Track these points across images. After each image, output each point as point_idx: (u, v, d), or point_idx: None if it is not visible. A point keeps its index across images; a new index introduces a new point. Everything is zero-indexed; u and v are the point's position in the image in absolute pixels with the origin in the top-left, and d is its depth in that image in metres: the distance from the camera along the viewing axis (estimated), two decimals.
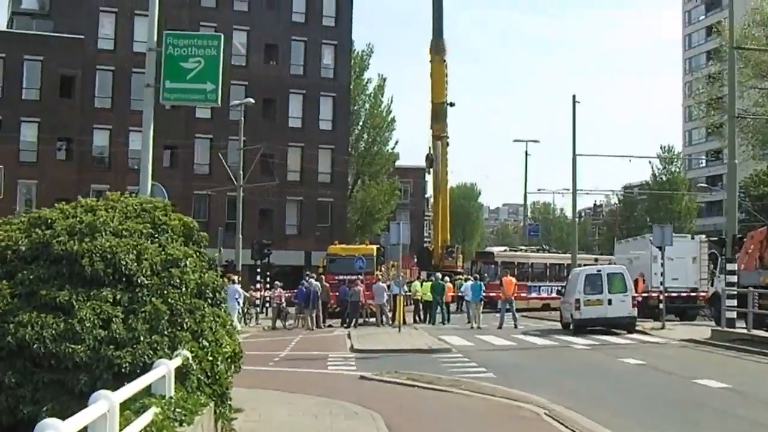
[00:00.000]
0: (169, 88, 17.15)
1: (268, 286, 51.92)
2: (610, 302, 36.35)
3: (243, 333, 39.58)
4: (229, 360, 11.82)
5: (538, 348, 30.25)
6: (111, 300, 10.77)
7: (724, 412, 15.95)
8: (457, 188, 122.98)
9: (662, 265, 41.77)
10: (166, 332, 10.84)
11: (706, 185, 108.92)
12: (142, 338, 10.57)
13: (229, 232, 53.77)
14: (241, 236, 51.56)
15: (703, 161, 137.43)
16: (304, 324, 44.91)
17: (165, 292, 11.10)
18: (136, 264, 11.11)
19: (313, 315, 44.64)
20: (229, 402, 11.87)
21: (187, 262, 11.59)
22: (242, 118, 54.00)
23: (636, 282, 45.26)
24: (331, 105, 79.91)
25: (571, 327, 37.63)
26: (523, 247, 76.57)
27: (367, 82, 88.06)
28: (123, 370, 10.28)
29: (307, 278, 47.60)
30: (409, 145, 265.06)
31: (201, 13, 73.50)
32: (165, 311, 10.89)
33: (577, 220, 65.95)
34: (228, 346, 11.75)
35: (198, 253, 12.27)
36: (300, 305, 45.21)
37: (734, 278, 32.79)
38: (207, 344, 11.25)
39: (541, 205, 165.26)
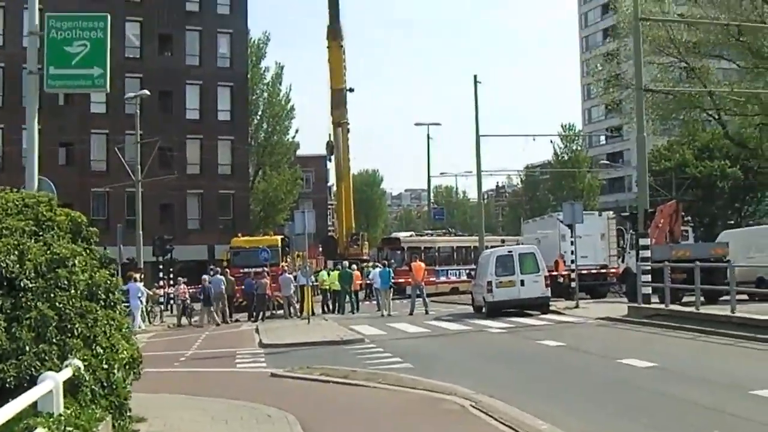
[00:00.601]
0: (54, 75, 15.94)
1: (171, 282, 50.47)
2: (522, 283, 35.64)
3: (147, 332, 38.50)
4: (126, 366, 10.76)
5: (452, 334, 29.41)
6: None
7: (655, 393, 15.26)
8: (358, 176, 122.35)
9: (572, 242, 41.60)
10: (54, 340, 9.80)
11: (607, 162, 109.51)
12: (27, 348, 9.55)
13: (130, 229, 52.11)
14: (141, 233, 50.16)
15: (603, 139, 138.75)
16: (210, 320, 43.78)
17: (52, 295, 10.03)
18: (18, 266, 10.02)
19: (218, 311, 43.52)
20: (128, 413, 10.75)
21: (76, 261, 10.50)
22: (138, 111, 52.40)
23: (556, 263, 44.96)
24: (228, 95, 78.19)
25: (484, 310, 36.97)
26: (429, 232, 75.82)
27: (264, 71, 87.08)
28: (7, 385, 9.24)
29: (211, 272, 46.44)
30: (310, 133, 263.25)
31: (90, 5, 71.23)
32: (52, 317, 9.84)
33: (480, 202, 65.18)
34: (125, 352, 10.68)
35: (88, 251, 11.18)
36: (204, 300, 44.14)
37: (648, 253, 32.38)
38: (101, 351, 10.19)
39: (443, 188, 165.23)
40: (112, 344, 10.40)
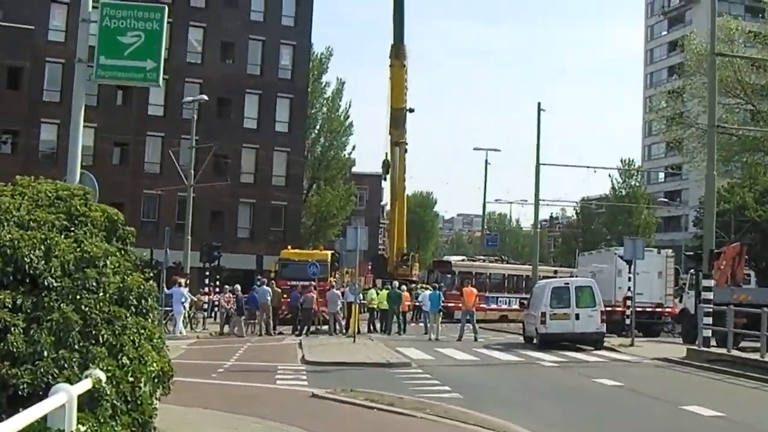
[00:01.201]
0: (105, 65, 14.98)
1: (217, 289, 49.71)
2: (577, 317, 34.45)
3: (188, 339, 37.69)
4: (155, 380, 9.72)
5: (503, 364, 28.25)
6: (9, 305, 8.76)
7: None
8: (412, 197, 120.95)
9: (630, 279, 40.43)
10: (76, 346, 8.82)
11: (665, 200, 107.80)
12: (45, 353, 8.58)
13: (179, 233, 51.40)
14: (190, 238, 49.45)
15: (662, 176, 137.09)
16: (253, 331, 43.00)
17: (78, 297, 9.06)
18: (43, 262, 9.09)
19: (262, 321, 42.78)
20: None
21: (108, 262, 9.53)
22: (195, 116, 51.83)
23: (624, 299, 43.70)
24: (288, 107, 77.57)
25: (535, 341, 35.85)
26: (482, 257, 74.71)
27: (325, 86, 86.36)
28: (20, 392, 8.27)
29: (258, 283, 45.71)
30: (366, 151, 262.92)
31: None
32: (76, 320, 8.87)
33: (537, 231, 64.03)
34: (155, 364, 9.65)
35: (122, 251, 10.21)
36: (249, 310, 43.34)
37: (710, 295, 31.11)
38: (127, 362, 9.18)
39: (497, 215, 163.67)
40: (140, 355, 9.40)
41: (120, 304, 9.43)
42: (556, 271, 67.29)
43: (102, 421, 8.38)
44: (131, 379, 9.11)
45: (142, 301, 9.78)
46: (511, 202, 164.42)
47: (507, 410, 16.87)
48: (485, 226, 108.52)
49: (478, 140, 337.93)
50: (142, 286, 9.83)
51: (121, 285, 9.53)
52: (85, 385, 8.07)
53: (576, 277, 50.27)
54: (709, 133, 33.71)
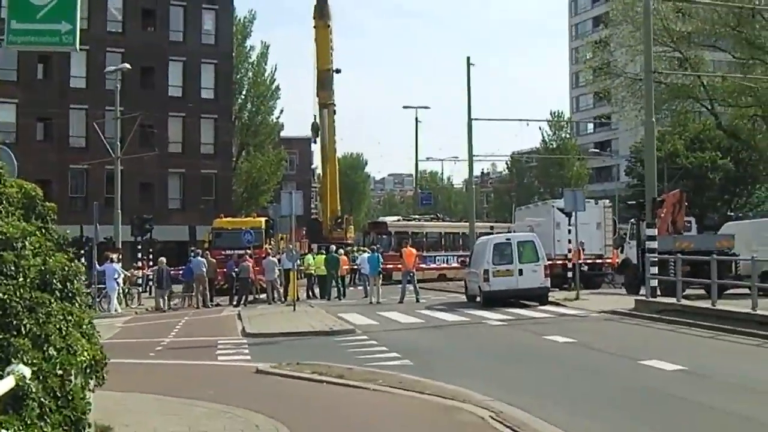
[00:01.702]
0: (16, 30, 13.79)
1: (151, 263, 48.46)
2: (521, 272, 33.71)
3: (123, 316, 36.59)
4: (87, 371, 8.79)
5: (449, 325, 27.47)
6: None
7: (690, 402, 13.57)
8: (343, 159, 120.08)
9: (569, 231, 39.99)
10: None
11: (597, 150, 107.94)
12: None
13: (109, 207, 50.02)
14: (120, 211, 48.09)
15: (591, 127, 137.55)
16: (190, 303, 42.01)
17: None
18: None
19: (198, 294, 41.81)
20: (87, 429, 8.76)
21: (27, 243, 8.56)
22: (118, 86, 50.24)
23: (577, 252, 43.02)
24: (212, 73, 76.16)
25: (479, 299, 35.22)
26: (417, 217, 73.94)
27: (249, 50, 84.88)
28: None
29: (192, 254, 44.66)
30: (294, 115, 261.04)
31: None
32: None
33: (472, 187, 63.24)
34: (85, 353, 8.70)
35: (43, 230, 9.22)
36: (187, 283, 42.33)
37: (655, 244, 30.61)
38: (54, 353, 8.22)
39: (428, 174, 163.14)
40: (68, 344, 8.46)
41: (42, 288, 8.47)
42: (492, 227, 66.77)
43: (29, 422, 7.46)
44: (60, 372, 8.18)
45: (67, 284, 8.82)
46: (443, 160, 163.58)
47: (461, 376, 16.15)
48: (418, 185, 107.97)
49: (408, 100, 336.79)
50: (66, 268, 8.87)
51: (43, 267, 8.56)
52: (6, 383, 7.13)
53: (513, 232, 49.80)
54: (646, 80, 32.99)
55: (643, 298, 29.11)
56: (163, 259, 43.35)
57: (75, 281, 8.97)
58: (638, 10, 51.30)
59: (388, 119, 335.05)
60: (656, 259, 30.32)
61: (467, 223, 68.59)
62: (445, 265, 63.45)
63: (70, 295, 8.85)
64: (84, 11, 69.00)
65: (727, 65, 56.44)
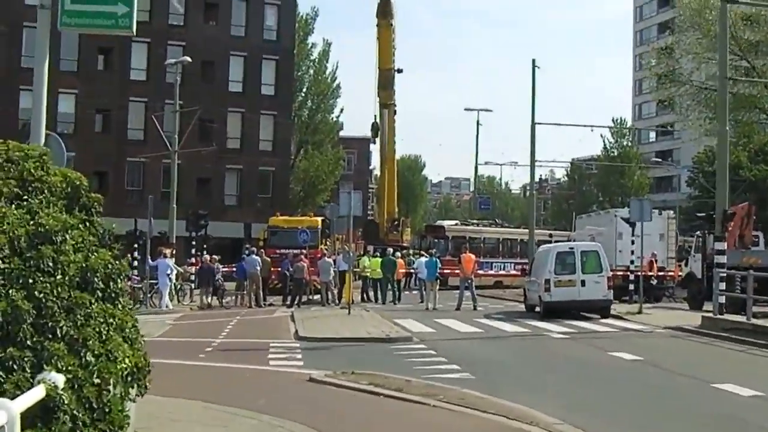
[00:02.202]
0: (70, 11, 13.12)
1: (207, 259, 47.79)
2: (583, 283, 32.68)
3: (175, 313, 35.98)
4: (128, 380, 7.98)
5: (509, 337, 26.47)
6: None
7: None
8: (401, 160, 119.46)
9: (633, 242, 39.05)
10: (29, 342, 7.08)
11: (659, 159, 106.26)
12: None
13: (165, 202, 49.54)
14: (175, 206, 47.64)
15: (653, 136, 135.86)
16: (242, 302, 41.34)
17: (30, 281, 7.29)
18: None
19: (251, 293, 41.14)
20: None
21: (68, 237, 7.77)
22: (178, 79, 49.76)
23: (650, 263, 42.02)
24: (273, 69, 75.58)
25: (538, 310, 34.26)
26: (475, 221, 72.93)
27: (311, 47, 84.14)
28: None
29: (246, 252, 44.04)
30: (354, 115, 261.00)
31: None
32: (28, 310, 7.13)
33: (533, 193, 62.15)
34: (126, 360, 7.89)
35: (86, 224, 8.42)
36: (240, 280, 41.67)
37: (723, 258, 29.45)
38: (92, 359, 7.40)
39: (486, 178, 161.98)
40: (108, 350, 7.65)
41: (83, 288, 7.67)
42: (551, 235, 65.88)
43: None
44: (97, 380, 7.37)
45: (111, 283, 8.00)
46: (502, 164, 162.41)
47: (525, 392, 15.21)
48: (476, 190, 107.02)
49: (467, 101, 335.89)
50: (109, 265, 8.05)
51: (84, 265, 7.76)
52: (35, 394, 6.35)
53: (574, 240, 48.76)
54: (720, 86, 31.83)
55: (710, 314, 27.93)
56: (207, 257, 42.85)
57: (119, 280, 8.17)
58: (706, 17, 50.46)
59: (448, 121, 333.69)
60: (724, 275, 29.14)
61: (525, 230, 67.68)
62: (502, 272, 62.53)
63: (113, 295, 8.04)
64: (146, 3, 68.99)
65: None
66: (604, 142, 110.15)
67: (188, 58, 50.12)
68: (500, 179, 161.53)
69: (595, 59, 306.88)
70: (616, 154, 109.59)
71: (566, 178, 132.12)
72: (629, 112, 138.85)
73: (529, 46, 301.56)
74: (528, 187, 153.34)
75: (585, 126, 77.33)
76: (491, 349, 23.15)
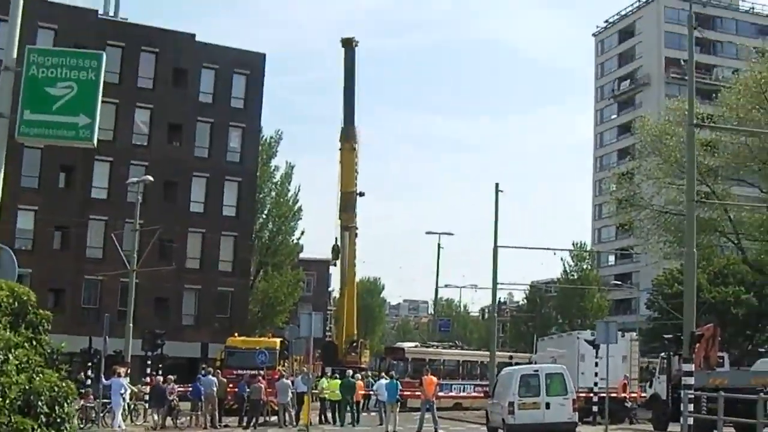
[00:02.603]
0: (29, 121, 12.79)
1: (160, 379, 46.89)
2: (548, 406, 31.99)
3: None
4: None
5: None
6: None
7: None
8: (360, 282, 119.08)
9: (597, 364, 39.52)
10: None
11: (619, 282, 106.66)
12: None
13: (122, 320, 48.86)
14: (132, 325, 46.98)
15: (612, 259, 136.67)
16: (197, 423, 40.47)
17: None
18: None
19: (207, 413, 40.30)
20: None
21: (11, 356, 7.34)
22: (139, 198, 49.58)
23: (624, 385, 41.84)
24: (236, 190, 75.45)
25: None
26: (435, 343, 72.31)
27: (274, 170, 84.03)
28: None
29: (202, 372, 43.26)
30: (313, 237, 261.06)
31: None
32: None
33: (495, 315, 61.72)
34: None
35: (33, 342, 8.00)
36: (195, 401, 40.82)
37: (692, 380, 29.11)
38: None
39: (445, 301, 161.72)
40: None
41: (25, 412, 7.21)
42: (511, 357, 65.20)
43: None
44: None
45: (56, 407, 7.56)
46: (461, 287, 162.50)
47: None
48: (431, 313, 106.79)
49: (429, 225, 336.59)
50: (56, 388, 7.61)
51: (28, 387, 7.32)
52: None
53: (535, 362, 48.40)
54: (688, 208, 31.78)
55: None
56: (160, 378, 42.17)
57: (65, 404, 7.70)
58: (666, 142, 51.03)
59: (408, 245, 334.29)
60: (692, 396, 28.70)
61: (485, 352, 67.57)
62: (462, 394, 61.95)
63: (58, 420, 7.58)
64: (110, 122, 68.95)
65: (753, 200, 55.75)
66: (564, 265, 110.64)
67: (150, 178, 50.08)
68: (459, 302, 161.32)
69: (557, 184, 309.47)
70: (575, 277, 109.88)
71: (525, 301, 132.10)
72: (589, 235, 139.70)
73: (492, 170, 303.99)
74: (488, 310, 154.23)
75: (546, 249, 77.81)
76: None
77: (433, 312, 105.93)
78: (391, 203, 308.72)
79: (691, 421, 27.98)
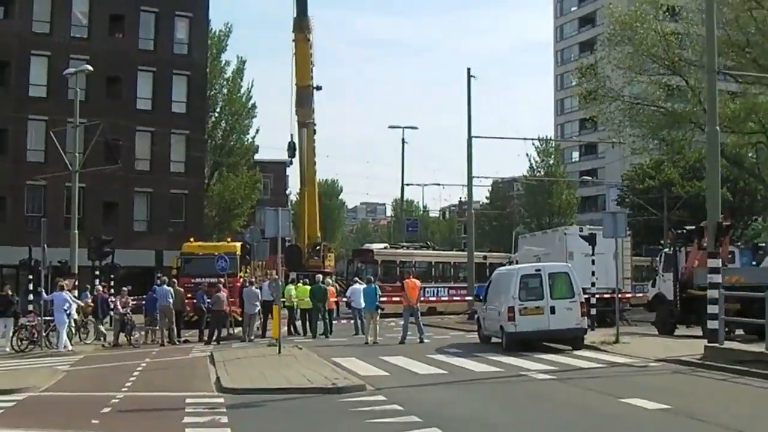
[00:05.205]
0: None
1: (112, 291, 42.38)
2: (552, 310, 28.18)
3: (75, 355, 30.98)
4: None
5: (482, 379, 21.37)
6: None
7: None
8: (318, 185, 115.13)
9: (593, 262, 37.49)
10: None
11: (588, 177, 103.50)
12: None
13: (69, 229, 44.25)
14: (77, 232, 42.60)
15: (576, 155, 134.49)
16: (154, 338, 36.29)
17: None
18: None
19: (164, 328, 36.20)
20: None
21: None
22: (78, 89, 45.01)
23: None
24: (185, 85, 70.38)
25: (495, 341, 29.88)
26: (405, 244, 68.36)
27: (225, 65, 79.32)
28: None
29: (158, 282, 38.95)
30: (267, 140, 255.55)
31: None
32: None
33: (471, 212, 57.35)
34: None
35: None
36: (151, 315, 36.54)
37: (719, 278, 25.12)
38: None
39: (405, 202, 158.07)
40: None
41: None
42: (485, 257, 61.53)
43: None
44: None
45: None
46: (424, 185, 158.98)
47: None
48: (391, 215, 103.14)
49: (379, 127, 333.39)
50: None
51: None
52: None
53: (517, 262, 44.72)
54: (709, 80, 27.44)
55: (715, 345, 23.37)
56: (100, 287, 38.80)
57: None
58: (637, 29, 47.77)
59: (362, 147, 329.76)
60: (718, 297, 24.63)
61: (458, 252, 64.13)
62: (435, 298, 58.41)
63: None
64: (46, 14, 63.85)
65: (728, 93, 52.63)
66: (530, 161, 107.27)
67: (89, 67, 45.73)
68: (420, 202, 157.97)
69: (517, 79, 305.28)
70: (542, 173, 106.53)
71: (487, 200, 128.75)
72: (551, 132, 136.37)
73: (445, 71, 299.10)
74: (449, 210, 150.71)
75: (517, 139, 74.33)
76: (469, 399, 18.18)
77: (392, 214, 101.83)
78: (344, 107, 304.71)
79: (715, 325, 23.94)
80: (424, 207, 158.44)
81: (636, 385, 19.06)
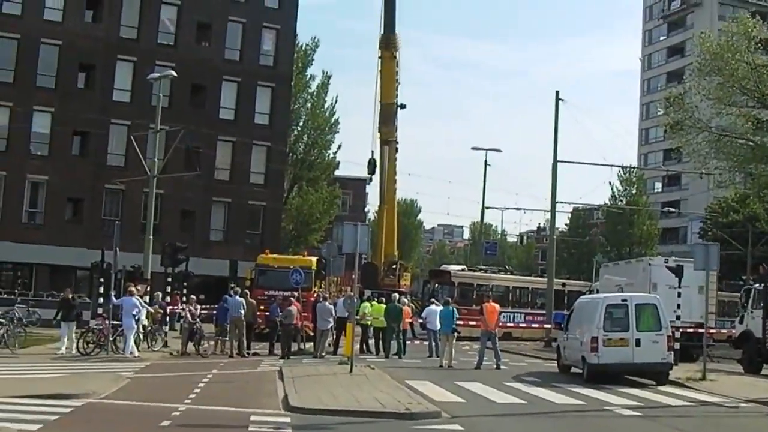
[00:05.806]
0: None
1: (184, 299, 41.75)
2: (638, 343, 26.93)
3: (142, 361, 30.33)
4: None
5: (563, 412, 20.18)
6: None
7: None
8: (397, 204, 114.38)
9: (679, 294, 34.98)
10: None
11: (671, 209, 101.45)
12: None
13: (144, 233, 43.86)
14: (152, 237, 42.19)
15: (658, 186, 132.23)
16: (223, 349, 35.52)
17: None
18: None
19: (234, 339, 35.41)
20: None
21: None
22: (161, 95, 44.82)
23: None
24: (269, 96, 70.25)
25: (576, 371, 28.64)
26: (483, 268, 67.16)
27: (309, 79, 79.10)
28: None
29: (231, 293, 38.18)
30: (348, 156, 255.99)
31: None
32: None
33: (553, 238, 56.26)
34: None
35: None
36: (221, 326, 35.79)
37: None
38: None
39: (483, 225, 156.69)
40: None
41: None
42: (564, 284, 60.24)
43: None
44: None
45: None
46: (504, 209, 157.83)
47: None
48: (468, 238, 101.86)
49: (463, 150, 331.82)
50: None
51: None
52: None
53: (597, 291, 43.32)
54: None
55: None
56: (159, 293, 38.73)
57: None
58: (728, 60, 46.68)
59: (444, 170, 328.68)
60: None
61: (537, 278, 63.00)
62: (511, 324, 57.05)
63: None
64: (134, 19, 63.86)
65: None
66: (612, 189, 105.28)
67: (173, 72, 45.24)
68: (498, 226, 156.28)
69: (602, 107, 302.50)
70: (624, 202, 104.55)
71: (566, 227, 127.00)
72: (635, 161, 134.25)
73: (528, 97, 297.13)
74: (527, 235, 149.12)
75: (603, 165, 73.19)
76: None
77: (470, 237, 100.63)
78: (428, 128, 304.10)
79: None
80: (503, 231, 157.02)
81: (729, 428, 17.90)
